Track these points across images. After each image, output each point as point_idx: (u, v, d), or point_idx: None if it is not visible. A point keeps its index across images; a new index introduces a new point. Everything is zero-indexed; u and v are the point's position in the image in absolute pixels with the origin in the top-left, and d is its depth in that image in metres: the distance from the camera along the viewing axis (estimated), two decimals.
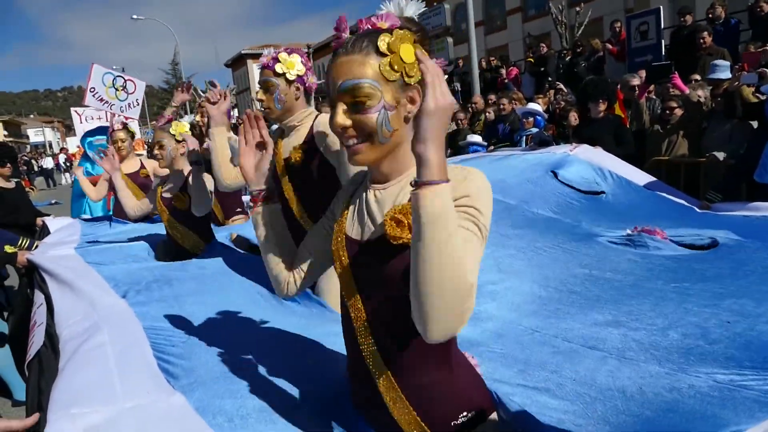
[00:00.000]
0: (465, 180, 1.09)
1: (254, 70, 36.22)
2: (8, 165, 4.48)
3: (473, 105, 8.38)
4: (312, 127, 2.26)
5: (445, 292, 0.90)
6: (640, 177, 3.92)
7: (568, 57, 9.87)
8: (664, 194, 3.70)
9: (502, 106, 7.03)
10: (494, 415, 1.29)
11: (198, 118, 3.50)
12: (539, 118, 6.12)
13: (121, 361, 1.58)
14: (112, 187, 5.48)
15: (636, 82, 5.95)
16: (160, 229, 3.32)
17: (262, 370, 1.57)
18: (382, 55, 1.09)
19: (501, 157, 4.36)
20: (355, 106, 1.10)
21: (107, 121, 7.41)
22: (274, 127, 2.57)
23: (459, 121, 7.76)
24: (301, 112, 2.29)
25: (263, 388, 1.44)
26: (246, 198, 4.66)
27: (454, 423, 1.20)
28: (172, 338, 1.79)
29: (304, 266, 1.35)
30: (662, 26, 7.94)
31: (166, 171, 3.18)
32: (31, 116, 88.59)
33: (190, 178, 2.94)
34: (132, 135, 4.52)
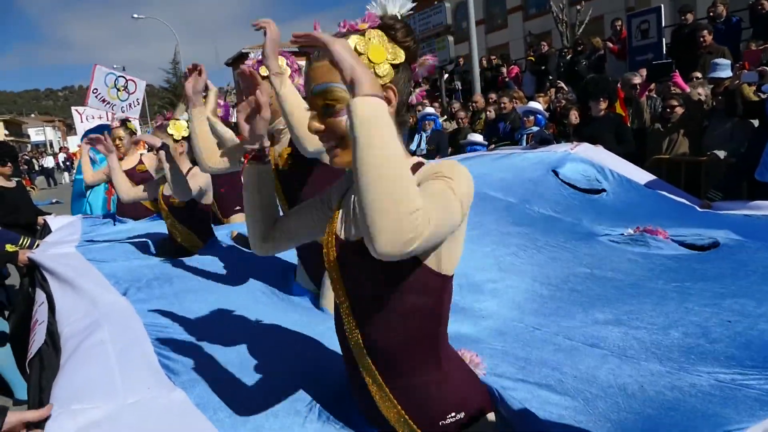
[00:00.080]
0: (439, 164, 1.10)
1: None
2: (9, 164, 4.48)
3: (474, 104, 8.37)
4: None
5: (383, 197, 0.87)
6: (641, 175, 3.91)
7: (569, 55, 9.86)
8: (665, 193, 3.69)
9: (502, 105, 7.03)
10: (491, 415, 1.29)
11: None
12: (540, 116, 6.11)
13: (122, 357, 1.59)
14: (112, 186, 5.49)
15: (637, 80, 5.95)
16: (160, 227, 3.33)
17: (262, 365, 1.58)
18: None
19: (502, 155, 4.36)
20: (326, 109, 1.13)
21: (108, 120, 7.43)
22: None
23: (460, 120, 7.76)
24: None
25: (264, 384, 1.45)
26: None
27: (441, 423, 1.20)
28: (172, 335, 1.79)
29: (284, 234, 1.38)
30: (663, 25, 7.92)
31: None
32: (32, 115, 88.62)
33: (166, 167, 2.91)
34: (131, 132, 4.52)
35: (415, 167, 1.14)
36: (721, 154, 4.49)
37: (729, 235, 2.70)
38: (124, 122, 4.50)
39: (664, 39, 7.89)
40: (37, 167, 28.38)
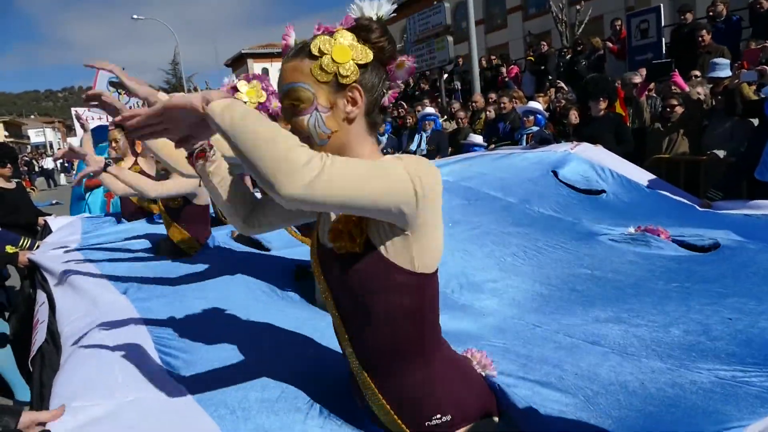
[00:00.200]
0: (399, 158, 1.11)
1: (254, 69, 36.24)
2: (9, 165, 4.48)
3: (474, 104, 8.37)
4: None
5: (264, 154, 0.93)
6: (641, 175, 3.91)
7: (569, 55, 9.86)
8: (665, 192, 3.70)
9: (502, 105, 7.03)
10: (494, 419, 1.30)
11: None
12: (540, 116, 6.11)
13: (122, 355, 1.59)
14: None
15: (638, 79, 5.95)
16: (159, 228, 3.33)
17: (263, 363, 1.58)
18: (315, 57, 1.11)
19: (502, 155, 4.36)
20: (291, 109, 1.14)
21: (107, 121, 7.43)
22: None
23: (459, 120, 7.76)
24: None
25: (264, 381, 1.45)
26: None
27: (428, 424, 1.21)
28: (173, 333, 1.80)
29: (265, 219, 1.38)
30: (662, 24, 7.93)
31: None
32: (32, 117, 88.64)
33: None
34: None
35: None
36: (721, 153, 4.49)
37: (729, 235, 2.70)
38: (119, 124, 4.46)
39: (663, 39, 7.89)
40: (37, 168, 28.39)
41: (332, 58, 1.10)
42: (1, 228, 3.48)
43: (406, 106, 9.68)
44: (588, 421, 1.26)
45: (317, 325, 1.86)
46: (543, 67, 10.28)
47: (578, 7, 13.65)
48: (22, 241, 3.26)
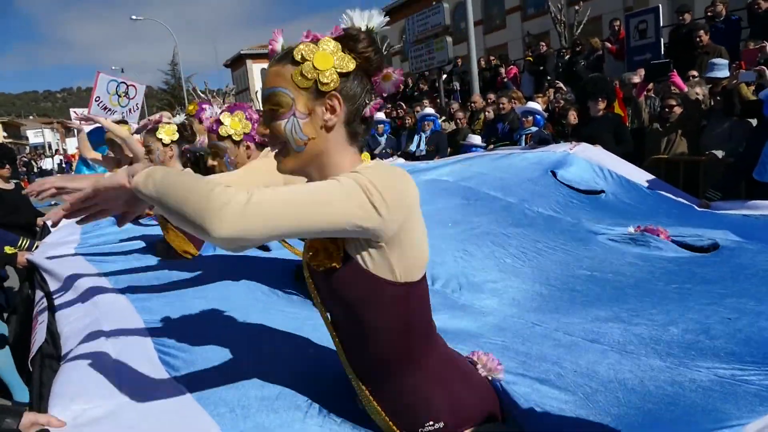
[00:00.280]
0: (363, 166, 1.11)
1: (254, 70, 36.23)
2: (7, 166, 4.48)
3: (472, 104, 8.38)
4: None
5: (184, 204, 0.97)
6: (640, 175, 3.92)
7: (568, 56, 9.88)
8: (664, 193, 3.70)
9: (501, 105, 7.03)
10: (495, 424, 1.30)
11: (191, 109, 3.41)
12: (539, 117, 6.12)
13: (122, 355, 1.59)
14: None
15: (637, 79, 5.96)
16: (158, 229, 3.32)
17: (262, 362, 1.58)
18: (297, 63, 1.12)
19: (501, 156, 4.37)
20: (270, 114, 1.15)
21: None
22: None
23: (458, 121, 7.76)
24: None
25: (264, 379, 1.45)
26: None
27: (421, 430, 1.22)
28: (173, 332, 1.79)
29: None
30: (661, 25, 7.94)
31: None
32: (31, 117, 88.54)
33: None
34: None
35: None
36: (720, 153, 4.49)
37: (728, 236, 2.71)
38: (117, 125, 4.41)
39: (662, 39, 7.90)
40: (35, 169, 28.38)
41: (313, 65, 1.11)
42: (1, 229, 3.47)
43: (405, 107, 9.69)
44: (587, 418, 1.27)
45: (317, 325, 1.85)
46: (542, 68, 10.28)
47: (577, 7, 13.67)
48: (20, 242, 3.25)
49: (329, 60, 1.11)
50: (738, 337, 1.60)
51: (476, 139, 6.60)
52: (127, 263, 2.80)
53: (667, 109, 5.08)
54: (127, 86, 7.34)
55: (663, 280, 2.24)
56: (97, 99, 7.09)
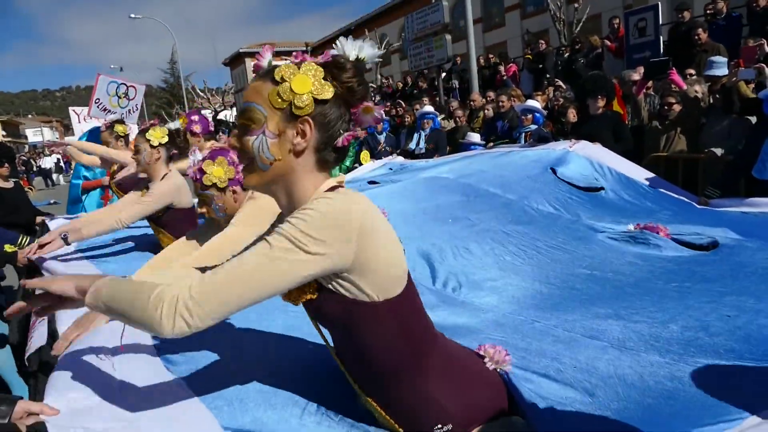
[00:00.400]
0: (312, 204, 1.08)
1: (252, 68, 36.13)
2: (6, 165, 4.47)
3: (472, 102, 8.37)
4: None
5: (131, 315, 1.07)
6: (639, 173, 3.93)
7: (567, 54, 9.87)
8: (663, 190, 3.71)
9: (500, 103, 7.03)
10: (507, 419, 1.30)
11: (181, 123, 3.36)
12: (538, 115, 6.11)
13: (120, 350, 1.58)
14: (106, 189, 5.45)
15: (636, 77, 5.95)
16: None
17: (262, 358, 1.59)
18: (277, 83, 1.12)
19: (501, 153, 4.37)
20: (243, 128, 1.16)
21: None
22: None
23: (458, 119, 7.76)
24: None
25: (263, 375, 1.45)
26: None
27: None
28: None
29: None
30: (660, 22, 7.94)
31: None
32: (30, 116, 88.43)
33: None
34: (117, 136, 4.36)
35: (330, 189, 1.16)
36: (719, 151, 4.49)
37: (727, 233, 2.71)
38: (111, 126, 4.36)
39: (661, 37, 7.90)
40: (34, 168, 28.33)
41: (290, 87, 1.11)
42: (0, 227, 3.46)
43: (404, 105, 9.68)
44: (587, 412, 1.27)
45: None
46: (541, 66, 10.27)
47: (576, 5, 13.63)
48: (20, 240, 3.24)
49: (307, 84, 1.11)
50: (737, 334, 1.61)
51: (475, 137, 6.59)
52: (129, 263, 2.79)
53: (666, 107, 5.08)
54: (127, 87, 7.35)
55: (662, 278, 2.24)
56: (97, 100, 7.10)
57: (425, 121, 7.38)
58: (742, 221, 2.94)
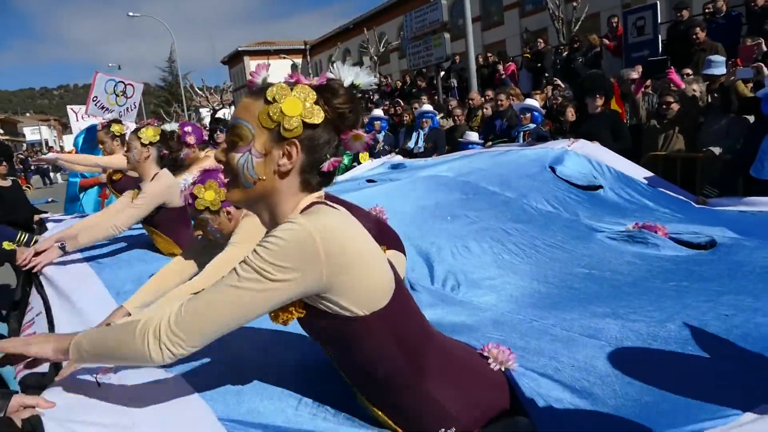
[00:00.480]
0: (281, 227, 1.08)
1: (251, 67, 36.07)
2: (4, 163, 4.47)
3: (470, 101, 8.38)
4: None
5: (117, 354, 1.13)
6: (638, 172, 3.94)
7: (566, 52, 9.87)
8: (662, 189, 3.72)
9: (499, 102, 7.03)
10: (511, 420, 1.30)
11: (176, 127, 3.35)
12: (537, 113, 6.11)
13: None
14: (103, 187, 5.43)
15: (635, 75, 5.96)
16: None
17: (259, 350, 1.59)
18: (267, 102, 1.12)
19: (499, 152, 4.38)
20: (230, 144, 1.16)
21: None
22: None
23: (456, 118, 7.76)
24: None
25: (260, 368, 1.45)
26: None
27: None
28: None
29: None
30: (659, 21, 7.94)
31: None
32: (28, 114, 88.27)
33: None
34: (113, 136, 4.33)
35: (308, 207, 1.16)
36: (717, 150, 4.50)
37: (725, 232, 2.72)
38: (108, 125, 4.33)
39: (659, 35, 7.90)
40: (32, 166, 28.26)
41: (281, 109, 1.11)
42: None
43: (402, 104, 9.68)
44: (585, 409, 1.28)
45: None
46: (540, 65, 10.27)
47: (575, 4, 13.66)
48: (19, 237, 3.23)
49: (297, 107, 1.11)
50: (735, 333, 1.62)
51: (473, 136, 6.59)
52: (130, 269, 2.75)
53: (664, 106, 5.08)
54: (125, 85, 7.34)
55: (660, 278, 2.25)
56: (95, 98, 7.08)
57: (424, 120, 7.37)
58: (740, 220, 2.95)
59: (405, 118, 8.49)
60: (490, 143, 6.25)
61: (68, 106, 10.45)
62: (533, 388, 1.33)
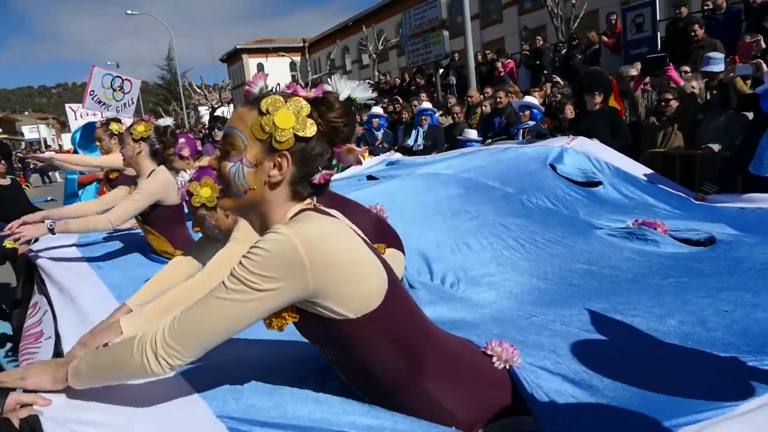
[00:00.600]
0: (265, 238, 1.07)
1: (249, 65, 36.11)
2: (2, 162, 4.47)
3: (469, 98, 8.37)
4: None
5: (117, 375, 1.18)
6: (637, 169, 3.94)
7: (564, 50, 9.86)
8: (661, 186, 3.72)
9: (498, 100, 7.02)
10: (512, 419, 1.29)
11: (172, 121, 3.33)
12: (536, 111, 6.11)
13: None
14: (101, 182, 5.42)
15: (634, 72, 5.96)
16: None
17: (257, 346, 1.59)
18: (261, 113, 1.13)
19: (499, 150, 4.38)
20: (223, 153, 1.18)
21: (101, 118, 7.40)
22: None
23: (455, 115, 7.76)
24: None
25: (258, 363, 1.45)
26: None
27: None
28: None
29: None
30: (658, 18, 7.94)
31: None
32: (26, 113, 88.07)
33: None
34: (112, 134, 4.31)
35: (295, 214, 1.16)
36: (716, 147, 4.51)
37: (724, 229, 2.73)
38: (107, 123, 4.30)
39: (658, 33, 7.90)
40: (31, 165, 28.23)
41: (273, 121, 1.11)
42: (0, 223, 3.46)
43: (401, 101, 9.67)
44: (585, 402, 1.28)
45: None
46: (538, 62, 10.26)
47: (574, 1, 13.66)
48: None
49: (290, 120, 1.11)
50: (734, 328, 1.62)
51: (472, 134, 6.59)
52: (131, 271, 2.75)
53: (663, 103, 5.09)
54: (122, 81, 7.30)
55: (660, 274, 2.26)
56: (92, 93, 7.06)
57: (423, 117, 7.37)
58: (739, 217, 2.95)
59: (404, 115, 8.48)
60: (489, 141, 6.25)
61: (67, 105, 10.43)
62: (533, 380, 1.33)
